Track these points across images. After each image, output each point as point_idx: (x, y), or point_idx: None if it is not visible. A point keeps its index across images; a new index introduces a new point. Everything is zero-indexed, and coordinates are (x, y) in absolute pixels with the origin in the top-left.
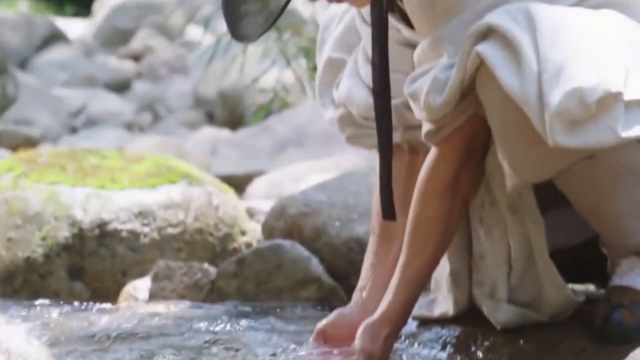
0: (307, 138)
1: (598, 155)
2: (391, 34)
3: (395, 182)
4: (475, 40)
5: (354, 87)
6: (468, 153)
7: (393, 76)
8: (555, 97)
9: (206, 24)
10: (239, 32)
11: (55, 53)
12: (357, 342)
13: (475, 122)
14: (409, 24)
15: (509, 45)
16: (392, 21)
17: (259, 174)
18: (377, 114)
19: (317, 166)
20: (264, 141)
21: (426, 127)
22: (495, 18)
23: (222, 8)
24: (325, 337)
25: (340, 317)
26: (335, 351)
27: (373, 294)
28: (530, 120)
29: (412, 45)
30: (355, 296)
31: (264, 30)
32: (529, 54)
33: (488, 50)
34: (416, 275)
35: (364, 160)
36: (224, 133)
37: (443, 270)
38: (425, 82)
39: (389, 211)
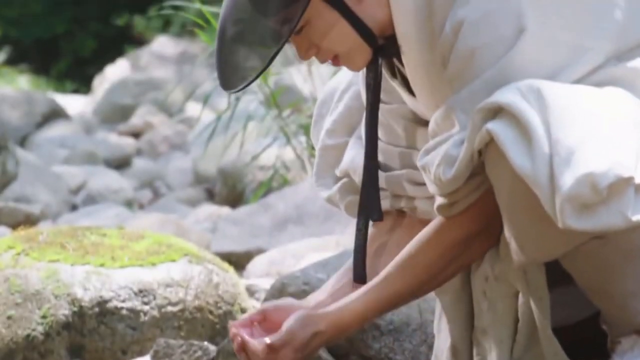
0: (307, 216)
1: (607, 236)
2: (391, 107)
3: (370, 246)
4: (485, 116)
5: (358, 155)
6: (486, 226)
7: (390, 148)
8: (566, 181)
9: (206, 101)
10: (226, 81)
11: (56, 130)
12: (285, 324)
13: (492, 199)
14: (409, 89)
15: (520, 125)
16: (392, 89)
17: (259, 251)
18: (364, 173)
19: (317, 244)
20: (264, 219)
21: (439, 200)
22: (506, 97)
23: (215, 56)
24: (264, 318)
25: (288, 303)
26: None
27: (329, 299)
28: (540, 200)
29: (411, 119)
30: (309, 296)
31: (249, 82)
32: (539, 134)
33: (498, 129)
34: (380, 298)
35: None
36: (224, 210)
37: (443, 343)
38: (437, 155)
39: (359, 274)
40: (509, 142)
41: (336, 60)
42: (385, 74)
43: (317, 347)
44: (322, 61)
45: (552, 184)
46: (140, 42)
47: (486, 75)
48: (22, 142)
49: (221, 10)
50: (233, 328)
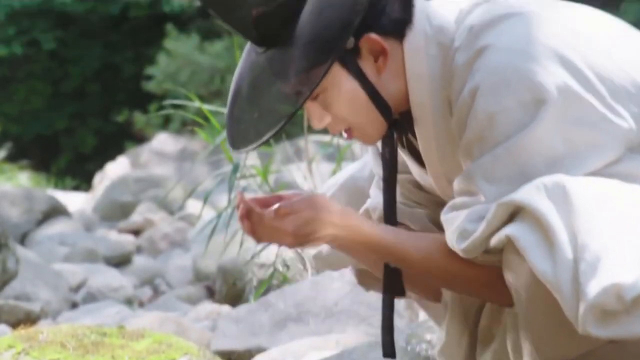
0: (307, 314)
1: (623, 340)
2: (399, 177)
3: None
4: (506, 212)
5: (377, 197)
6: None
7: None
8: (592, 289)
9: (206, 198)
10: (236, 140)
11: (56, 227)
12: (301, 196)
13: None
14: (417, 160)
15: (542, 228)
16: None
17: (259, 350)
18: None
19: (317, 343)
20: (264, 317)
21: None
22: (530, 197)
23: (227, 114)
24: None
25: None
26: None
27: None
28: (560, 305)
29: (415, 187)
30: None
31: (259, 143)
32: (562, 239)
33: (519, 233)
34: (396, 245)
35: (363, 337)
36: (224, 308)
37: None
38: (456, 217)
39: (388, 351)
40: (530, 246)
41: (350, 132)
42: None
43: (321, 237)
44: (335, 131)
45: (575, 291)
46: (140, 138)
47: (509, 144)
48: (22, 239)
49: (237, 69)
50: (240, 195)
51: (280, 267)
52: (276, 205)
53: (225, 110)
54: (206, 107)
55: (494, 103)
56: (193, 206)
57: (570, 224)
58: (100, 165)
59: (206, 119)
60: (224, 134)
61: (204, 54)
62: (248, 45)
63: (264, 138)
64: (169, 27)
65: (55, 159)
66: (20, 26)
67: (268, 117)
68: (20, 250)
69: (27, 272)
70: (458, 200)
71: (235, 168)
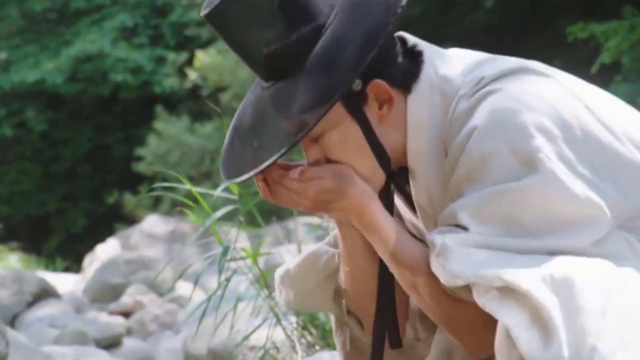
0: None
1: None
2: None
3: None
4: (500, 284)
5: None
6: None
7: None
8: None
9: (196, 280)
10: (229, 170)
11: (46, 309)
12: (329, 164)
13: None
14: (411, 205)
15: (541, 320)
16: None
17: None
18: (378, 308)
19: None
20: None
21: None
22: (532, 284)
23: (225, 144)
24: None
25: None
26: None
27: None
28: None
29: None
30: None
31: (257, 171)
32: (562, 337)
33: (515, 322)
34: (393, 251)
35: None
36: None
37: None
38: (437, 244)
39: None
40: (525, 338)
41: None
42: None
43: (337, 208)
44: None
45: None
46: (130, 220)
47: (500, 189)
48: (12, 321)
49: (241, 104)
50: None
51: (271, 350)
52: (301, 168)
53: (214, 192)
54: (196, 189)
55: (489, 144)
56: (183, 288)
57: (578, 324)
58: (90, 246)
59: (196, 201)
60: (213, 216)
61: (194, 136)
62: (254, 83)
63: (263, 165)
64: (159, 109)
65: (46, 240)
66: (10, 107)
67: (269, 145)
68: (10, 332)
69: (18, 355)
70: (444, 227)
71: (225, 250)
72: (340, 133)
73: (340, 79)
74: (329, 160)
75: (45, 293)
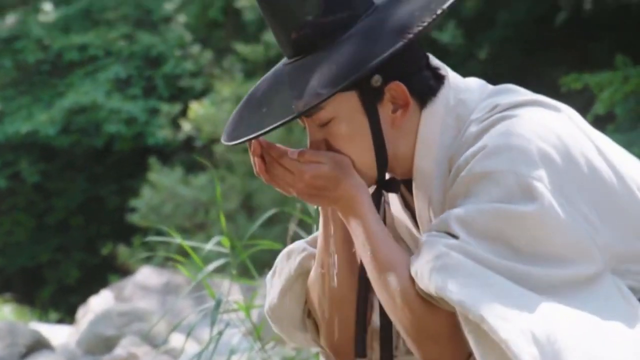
0: None
1: None
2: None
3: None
4: (478, 321)
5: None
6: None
7: None
8: None
9: (189, 332)
10: (232, 132)
11: None
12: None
13: None
14: (415, 220)
15: None
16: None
17: None
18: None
19: None
20: None
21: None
22: (517, 341)
23: (234, 112)
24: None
25: None
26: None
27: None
28: None
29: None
30: None
31: (259, 134)
32: None
33: None
34: (373, 249)
35: None
36: None
37: None
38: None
39: (361, 349)
40: None
41: None
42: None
43: (330, 197)
44: None
45: None
46: (124, 271)
47: (496, 208)
48: None
49: (261, 78)
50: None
51: None
52: (301, 149)
53: (206, 246)
54: (188, 242)
55: (493, 163)
56: (177, 340)
57: None
58: (83, 298)
59: (187, 254)
60: (205, 270)
61: (188, 187)
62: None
63: (266, 129)
64: (153, 160)
65: (39, 292)
66: (4, 159)
67: (277, 111)
68: None
69: None
70: (434, 228)
71: (218, 303)
72: (349, 125)
73: (364, 61)
74: (329, 148)
75: (39, 345)
